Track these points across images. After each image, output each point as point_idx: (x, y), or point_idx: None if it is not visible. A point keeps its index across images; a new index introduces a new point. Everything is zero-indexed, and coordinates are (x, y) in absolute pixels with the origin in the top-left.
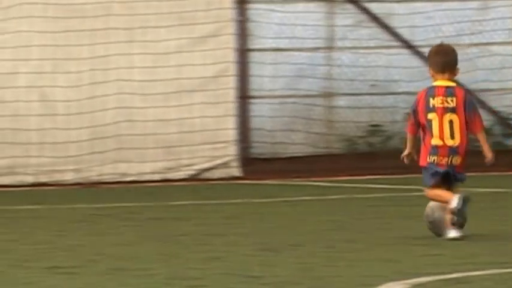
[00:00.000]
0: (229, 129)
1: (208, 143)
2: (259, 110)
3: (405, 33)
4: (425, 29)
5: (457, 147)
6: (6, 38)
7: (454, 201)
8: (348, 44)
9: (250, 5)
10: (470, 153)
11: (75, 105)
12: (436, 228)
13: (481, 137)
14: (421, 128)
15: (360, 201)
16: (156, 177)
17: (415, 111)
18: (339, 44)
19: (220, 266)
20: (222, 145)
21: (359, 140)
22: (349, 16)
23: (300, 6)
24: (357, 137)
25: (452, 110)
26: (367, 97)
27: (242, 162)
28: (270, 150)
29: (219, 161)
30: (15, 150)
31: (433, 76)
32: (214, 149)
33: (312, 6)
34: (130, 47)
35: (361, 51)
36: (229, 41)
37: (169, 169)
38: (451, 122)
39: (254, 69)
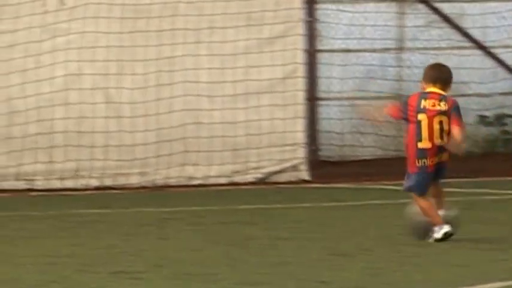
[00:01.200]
0: (298, 131)
1: (276, 145)
2: (327, 112)
3: (477, 33)
4: (498, 29)
5: (444, 145)
6: (71, 38)
7: (444, 229)
8: (418, 44)
9: (319, 5)
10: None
11: (141, 107)
12: (419, 232)
13: (455, 132)
14: (407, 130)
15: None
16: (223, 180)
17: (406, 103)
18: (409, 44)
19: (288, 271)
20: (290, 148)
21: None
22: (420, 16)
23: (370, 6)
24: None
25: (443, 113)
26: None
27: (310, 166)
28: (338, 153)
29: (287, 164)
30: (80, 153)
31: (423, 88)
32: (283, 151)
33: (382, 6)
34: (197, 48)
35: (432, 52)
36: (298, 41)
37: (237, 172)
38: (441, 122)
39: (323, 71)
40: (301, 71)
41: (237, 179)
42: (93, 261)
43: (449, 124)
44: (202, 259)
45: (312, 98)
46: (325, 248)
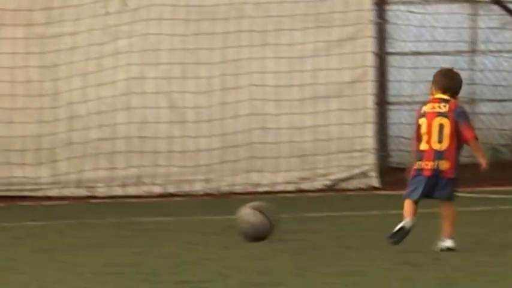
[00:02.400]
0: (367, 137)
1: (345, 151)
2: (398, 116)
3: None
4: None
5: (444, 151)
6: (133, 41)
7: (407, 222)
8: (491, 47)
9: (390, 7)
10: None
11: (206, 112)
12: (253, 232)
13: (473, 145)
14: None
15: (504, 213)
16: (290, 187)
17: (418, 117)
18: (482, 47)
19: (357, 280)
20: (359, 154)
21: (503, 148)
22: (493, 18)
23: (442, 7)
24: (501, 145)
25: (443, 115)
26: (511, 103)
27: (380, 172)
28: (409, 159)
29: (356, 171)
30: (143, 159)
31: (431, 94)
32: (351, 157)
33: (454, 7)
34: (264, 50)
35: (506, 55)
36: (368, 44)
37: (304, 179)
38: (441, 125)
39: (393, 74)
40: (370, 74)
41: (305, 186)
42: (155, 270)
43: (452, 128)
44: (268, 268)
45: (382, 102)
46: (395, 257)
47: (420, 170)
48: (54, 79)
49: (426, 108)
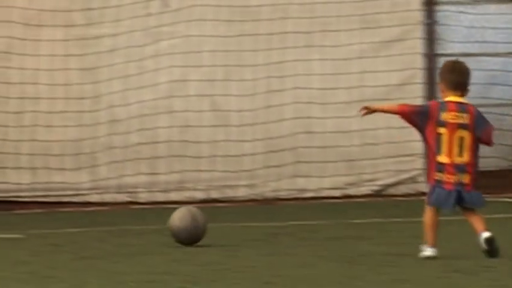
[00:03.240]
0: (416, 141)
1: (393, 156)
2: None
3: None
4: None
5: (466, 165)
6: (175, 43)
7: (426, 252)
8: None
9: (439, 7)
10: None
11: (249, 115)
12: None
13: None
14: (425, 141)
15: None
16: (337, 193)
17: (427, 112)
18: None
19: None
20: (408, 158)
21: None
22: None
23: (492, 7)
24: None
25: (465, 127)
26: None
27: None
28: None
29: (404, 176)
30: (185, 164)
31: (443, 91)
32: (400, 162)
33: (504, 7)
34: (309, 52)
35: None
36: (416, 45)
37: (351, 184)
38: (461, 138)
39: None
40: (419, 76)
41: (351, 191)
42: (197, 278)
43: (471, 140)
44: (314, 276)
45: None
46: (444, 264)
47: (441, 183)
48: (94, 82)
49: (447, 118)
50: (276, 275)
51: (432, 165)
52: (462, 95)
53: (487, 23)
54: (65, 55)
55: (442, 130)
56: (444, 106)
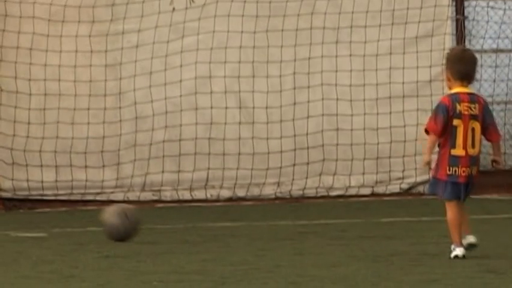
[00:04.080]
0: None
1: (422, 153)
2: None
3: None
4: None
5: (476, 156)
6: (201, 38)
7: (455, 252)
8: None
9: (468, 2)
10: None
11: (276, 112)
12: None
13: (499, 146)
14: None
15: None
16: (365, 191)
17: (448, 112)
18: None
19: None
20: (436, 156)
21: None
22: None
23: None
24: None
25: (476, 118)
26: None
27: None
28: (490, 162)
29: None
30: (211, 161)
31: (449, 80)
32: None
33: None
34: (337, 48)
35: None
36: (446, 41)
37: (380, 182)
38: (473, 129)
39: None
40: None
41: (380, 189)
42: (224, 279)
43: (481, 131)
44: (343, 276)
45: None
46: (476, 264)
47: (455, 177)
48: (118, 78)
49: (462, 109)
50: (304, 274)
51: (444, 159)
52: (468, 85)
53: None
54: (88, 51)
55: (457, 122)
56: (457, 98)
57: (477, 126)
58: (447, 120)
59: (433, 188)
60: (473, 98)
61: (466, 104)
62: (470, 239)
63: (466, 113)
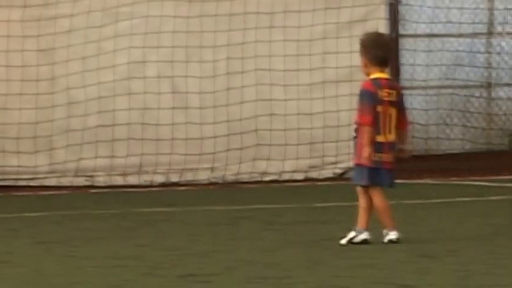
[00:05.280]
0: None
1: None
2: (411, 102)
3: None
4: None
5: (394, 142)
6: (134, 23)
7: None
8: (509, 29)
9: None
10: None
11: (210, 97)
12: None
13: (406, 134)
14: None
15: None
16: (299, 176)
17: (374, 99)
18: (499, 29)
19: (371, 273)
20: None
21: None
22: None
23: None
24: None
25: (393, 104)
26: None
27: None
28: (423, 147)
29: None
30: (144, 147)
31: (365, 66)
32: None
33: None
34: (271, 33)
35: None
36: (380, 26)
37: (313, 167)
38: (390, 116)
39: (406, 58)
40: None
41: (314, 174)
42: (158, 264)
43: (396, 118)
44: (277, 261)
45: None
46: (409, 249)
47: (381, 163)
48: (51, 63)
49: (383, 95)
50: (239, 259)
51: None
52: (385, 70)
53: (452, 3)
54: (21, 36)
55: (379, 108)
56: (378, 83)
57: (394, 112)
58: (375, 108)
59: (358, 177)
60: (392, 84)
61: (386, 90)
62: (392, 235)
63: (385, 99)
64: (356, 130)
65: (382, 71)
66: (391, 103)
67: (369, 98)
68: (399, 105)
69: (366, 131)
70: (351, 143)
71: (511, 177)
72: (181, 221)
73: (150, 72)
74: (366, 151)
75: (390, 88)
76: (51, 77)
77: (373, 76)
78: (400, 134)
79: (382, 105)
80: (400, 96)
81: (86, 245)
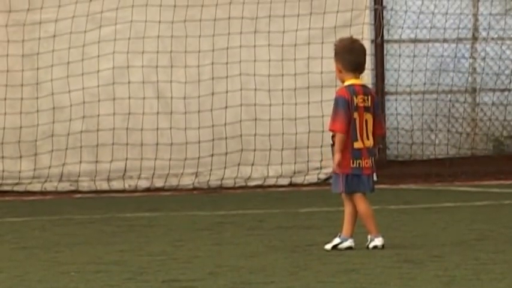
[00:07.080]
0: None
1: None
2: (395, 107)
3: None
4: None
5: (373, 148)
6: (118, 28)
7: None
8: (493, 34)
9: None
10: None
11: (194, 102)
12: None
13: (380, 140)
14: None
15: (507, 208)
16: (283, 181)
17: (348, 106)
18: (483, 34)
19: (355, 278)
20: None
21: (506, 140)
22: (495, 4)
23: None
24: (504, 137)
25: (368, 110)
26: None
27: (377, 165)
28: (408, 152)
29: None
30: (129, 151)
31: (340, 72)
32: None
33: None
34: (255, 38)
35: (508, 42)
36: (364, 31)
37: (298, 172)
38: (366, 122)
39: (390, 63)
40: (367, 63)
41: (298, 179)
42: (142, 269)
43: (372, 123)
44: (261, 266)
45: (379, 92)
46: (394, 254)
47: (360, 169)
48: (35, 68)
49: (358, 102)
50: (222, 265)
51: (347, 152)
52: (359, 76)
53: (436, 8)
54: (5, 41)
55: (355, 115)
56: (353, 90)
57: (370, 118)
58: (349, 115)
59: (334, 185)
60: (366, 90)
61: (361, 96)
62: (377, 241)
63: (361, 105)
64: (333, 137)
65: (356, 77)
66: (366, 109)
67: (343, 104)
68: (374, 110)
69: (338, 138)
70: None
71: (495, 182)
72: (165, 226)
73: (134, 77)
74: (337, 158)
75: (365, 94)
76: (36, 82)
77: (347, 83)
78: (375, 140)
79: (358, 111)
80: (374, 101)
81: (70, 250)
